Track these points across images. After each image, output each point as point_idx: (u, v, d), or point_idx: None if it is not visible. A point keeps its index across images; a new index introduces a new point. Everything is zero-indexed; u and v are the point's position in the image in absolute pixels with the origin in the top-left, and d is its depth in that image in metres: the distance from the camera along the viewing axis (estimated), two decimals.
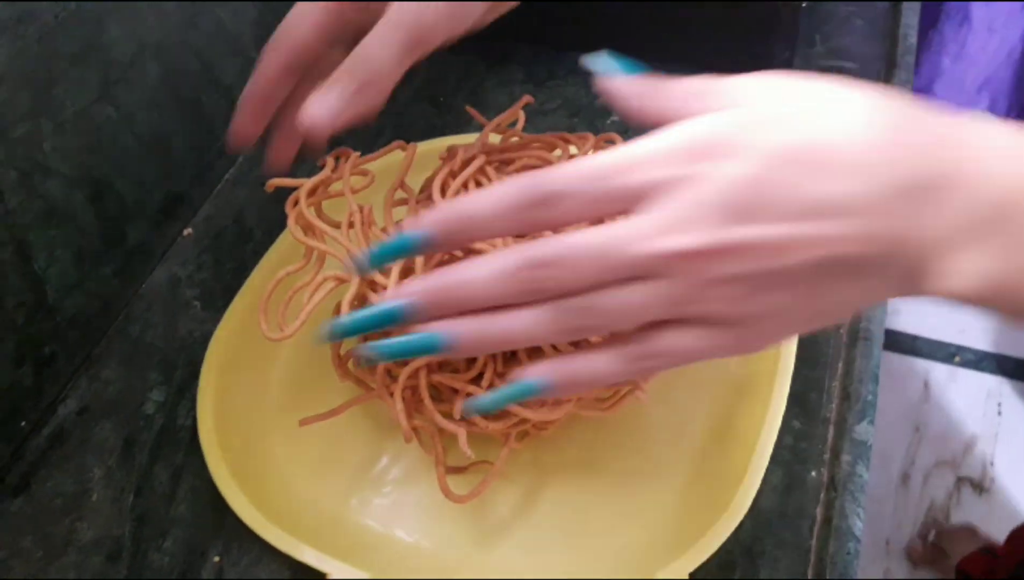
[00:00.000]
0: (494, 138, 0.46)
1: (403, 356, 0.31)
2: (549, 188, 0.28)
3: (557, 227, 0.29)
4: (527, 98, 0.44)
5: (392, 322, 0.30)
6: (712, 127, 0.27)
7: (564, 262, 0.28)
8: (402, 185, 0.43)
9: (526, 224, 0.29)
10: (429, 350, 0.30)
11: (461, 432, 0.40)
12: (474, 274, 0.29)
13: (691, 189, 0.27)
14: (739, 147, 0.27)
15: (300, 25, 0.39)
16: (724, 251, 0.26)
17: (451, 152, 0.44)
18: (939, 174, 0.26)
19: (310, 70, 0.40)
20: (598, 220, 0.29)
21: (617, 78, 0.31)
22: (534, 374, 0.30)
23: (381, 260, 0.31)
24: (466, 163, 0.42)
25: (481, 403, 0.31)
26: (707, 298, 0.27)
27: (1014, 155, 0.27)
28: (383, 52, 0.36)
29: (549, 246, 0.28)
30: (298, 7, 0.39)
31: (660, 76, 0.31)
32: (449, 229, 0.29)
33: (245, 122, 0.41)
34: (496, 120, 0.44)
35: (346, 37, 0.40)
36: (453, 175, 0.43)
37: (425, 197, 0.44)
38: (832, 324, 0.32)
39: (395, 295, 0.30)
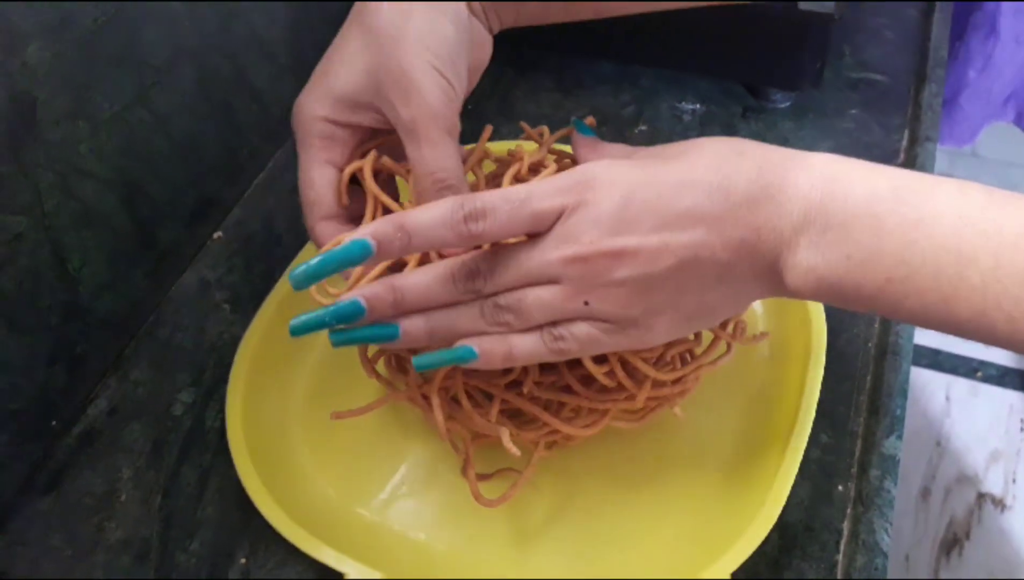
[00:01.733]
0: (499, 148, 0.48)
1: (365, 342, 0.37)
2: (479, 204, 0.35)
3: (484, 240, 0.35)
4: (590, 119, 0.46)
5: (350, 318, 0.36)
6: (598, 167, 0.35)
7: (490, 269, 0.36)
8: (473, 168, 0.44)
9: (460, 235, 0.35)
10: (388, 337, 0.37)
11: (504, 432, 0.40)
12: (420, 276, 0.36)
13: (580, 212, 0.34)
14: (615, 181, 0.34)
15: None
16: (604, 255, 0.34)
17: (515, 155, 0.45)
18: (764, 188, 0.33)
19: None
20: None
21: (581, 137, 0.43)
22: (468, 342, 0.37)
23: (328, 268, 0.35)
24: (534, 168, 0.43)
25: (418, 361, 0.37)
26: (600, 298, 0.34)
27: (822, 173, 0.33)
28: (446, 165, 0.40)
29: (478, 257, 0.36)
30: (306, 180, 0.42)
31: (600, 140, 0.42)
32: (390, 237, 0.35)
33: None
34: (558, 133, 0.46)
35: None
36: (519, 178, 0.43)
37: (494, 186, 0.45)
38: (716, 323, 0.39)
39: (351, 294, 0.36)
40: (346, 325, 0.37)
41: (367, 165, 0.42)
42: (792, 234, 0.33)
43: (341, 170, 0.43)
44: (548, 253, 0.35)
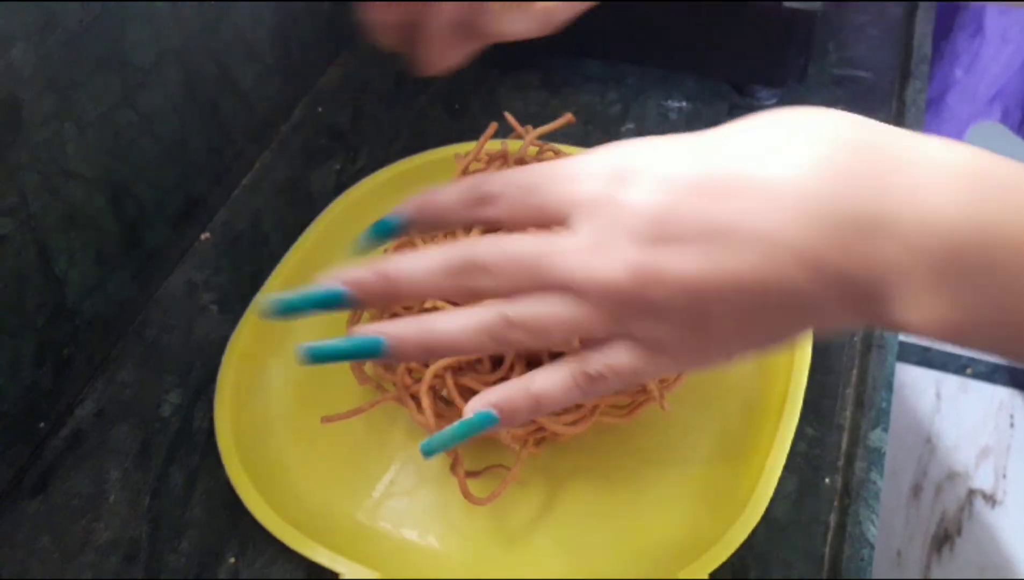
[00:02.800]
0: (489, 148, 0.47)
1: (348, 358, 0.30)
2: (489, 188, 0.30)
3: (496, 227, 0.31)
4: (568, 116, 0.45)
5: (333, 305, 0.30)
6: (641, 154, 0.28)
7: (497, 265, 0.28)
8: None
9: (472, 219, 0.31)
10: (373, 352, 0.30)
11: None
12: (412, 264, 0.29)
13: (611, 211, 0.27)
14: (663, 175, 0.27)
15: None
16: (638, 278, 0.26)
17: (497, 155, 0.44)
18: (887, 204, 0.24)
19: None
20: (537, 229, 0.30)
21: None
22: (484, 407, 0.30)
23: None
24: (518, 164, 0.43)
25: (433, 443, 0.31)
26: (635, 328, 0.28)
27: (968, 190, 0.24)
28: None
29: (483, 247, 0.29)
30: None
31: None
32: (412, 215, 0.31)
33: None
34: (540, 130, 0.46)
35: None
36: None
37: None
38: (784, 347, 0.33)
39: (335, 281, 0.30)
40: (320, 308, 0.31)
41: None
42: (915, 267, 0.24)
43: None
44: (568, 263, 0.28)
